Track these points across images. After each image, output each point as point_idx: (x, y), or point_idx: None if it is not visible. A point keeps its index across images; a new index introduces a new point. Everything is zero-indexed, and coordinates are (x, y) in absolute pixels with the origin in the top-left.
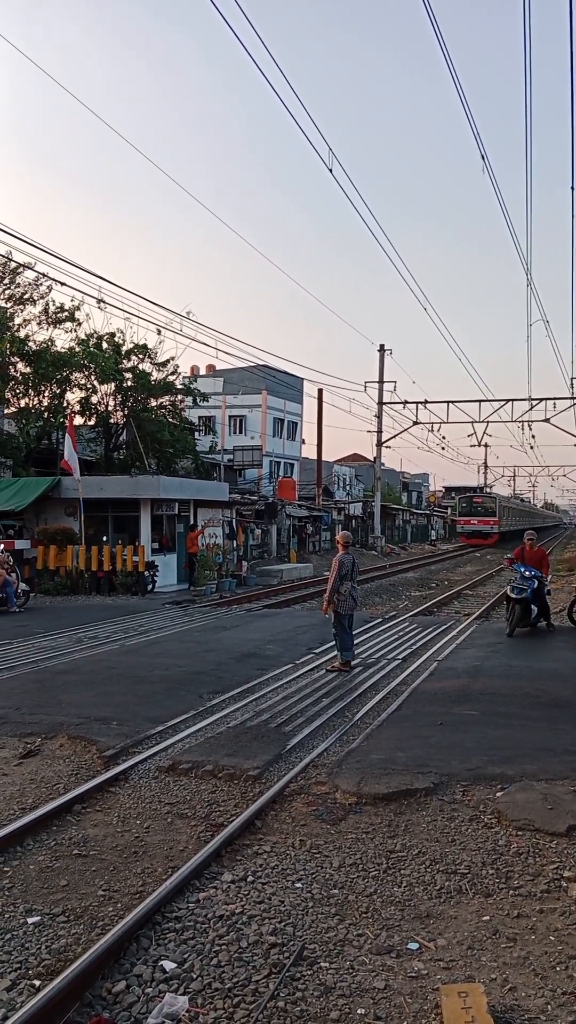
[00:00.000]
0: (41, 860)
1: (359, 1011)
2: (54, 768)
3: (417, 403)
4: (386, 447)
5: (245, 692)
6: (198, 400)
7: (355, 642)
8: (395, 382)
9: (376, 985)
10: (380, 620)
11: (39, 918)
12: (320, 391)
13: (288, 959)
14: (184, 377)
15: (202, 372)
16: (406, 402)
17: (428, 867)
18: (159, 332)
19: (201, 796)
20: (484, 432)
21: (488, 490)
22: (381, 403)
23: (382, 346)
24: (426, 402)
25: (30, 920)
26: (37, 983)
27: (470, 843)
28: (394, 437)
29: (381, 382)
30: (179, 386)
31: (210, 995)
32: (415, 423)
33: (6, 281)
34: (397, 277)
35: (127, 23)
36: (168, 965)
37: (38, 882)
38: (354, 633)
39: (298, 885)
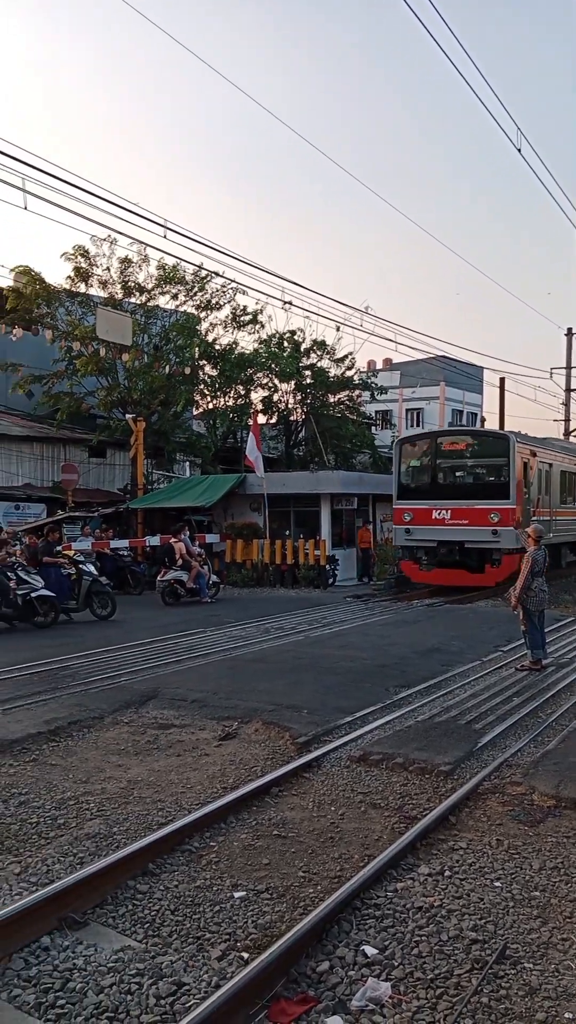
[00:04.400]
0: (244, 838)
1: (566, 1015)
2: (251, 751)
3: None
4: (575, 437)
5: (431, 687)
6: (375, 394)
7: (546, 641)
8: None
9: None
10: (572, 619)
11: (244, 893)
12: (502, 380)
13: (490, 956)
14: (361, 372)
15: (379, 366)
16: None
17: None
18: (338, 328)
19: (393, 788)
20: None
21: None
22: (568, 390)
23: (569, 329)
24: None
25: (236, 895)
26: (245, 955)
27: None
28: None
29: (569, 368)
30: (357, 381)
31: (412, 984)
32: None
33: (196, 289)
34: None
35: (288, 10)
36: (369, 950)
37: (242, 859)
38: (545, 631)
39: (497, 884)
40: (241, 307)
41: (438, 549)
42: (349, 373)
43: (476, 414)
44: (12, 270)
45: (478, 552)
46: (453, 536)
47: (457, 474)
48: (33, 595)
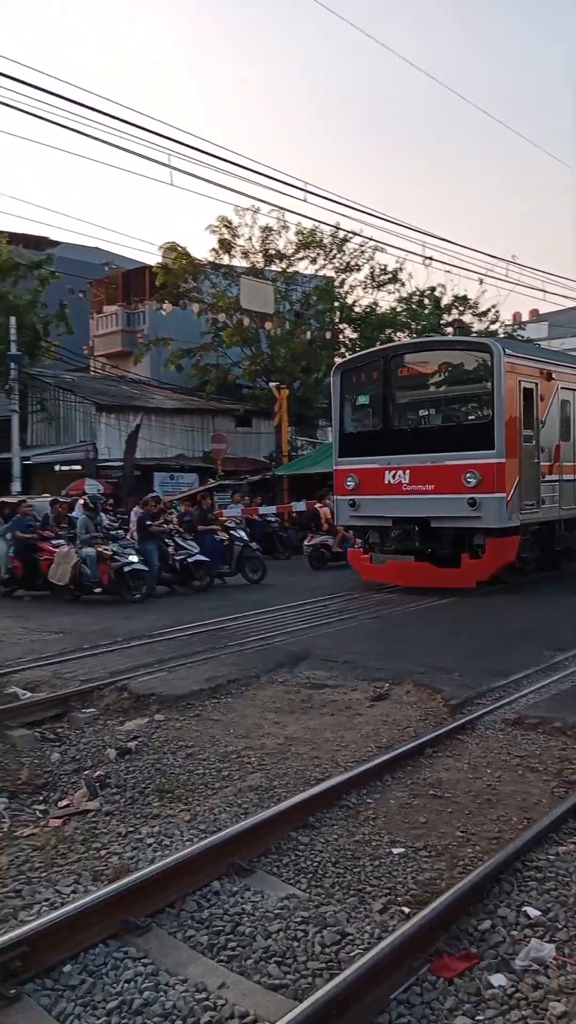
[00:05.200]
0: (400, 796)
1: None
2: (403, 712)
3: None
4: None
5: None
6: None
7: None
8: None
9: None
10: None
11: (403, 850)
12: None
13: None
14: (506, 325)
15: (525, 317)
16: None
17: None
18: (481, 281)
19: (551, 752)
20: None
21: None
22: None
23: None
24: None
25: (395, 851)
26: (406, 910)
27: None
28: None
29: None
30: (501, 335)
31: None
32: None
33: (334, 251)
34: None
35: None
36: (532, 912)
37: (399, 816)
38: None
39: None
40: (381, 266)
41: (393, 530)
42: (493, 327)
43: None
44: (160, 247)
45: (451, 534)
46: (412, 510)
47: (420, 413)
48: (190, 560)
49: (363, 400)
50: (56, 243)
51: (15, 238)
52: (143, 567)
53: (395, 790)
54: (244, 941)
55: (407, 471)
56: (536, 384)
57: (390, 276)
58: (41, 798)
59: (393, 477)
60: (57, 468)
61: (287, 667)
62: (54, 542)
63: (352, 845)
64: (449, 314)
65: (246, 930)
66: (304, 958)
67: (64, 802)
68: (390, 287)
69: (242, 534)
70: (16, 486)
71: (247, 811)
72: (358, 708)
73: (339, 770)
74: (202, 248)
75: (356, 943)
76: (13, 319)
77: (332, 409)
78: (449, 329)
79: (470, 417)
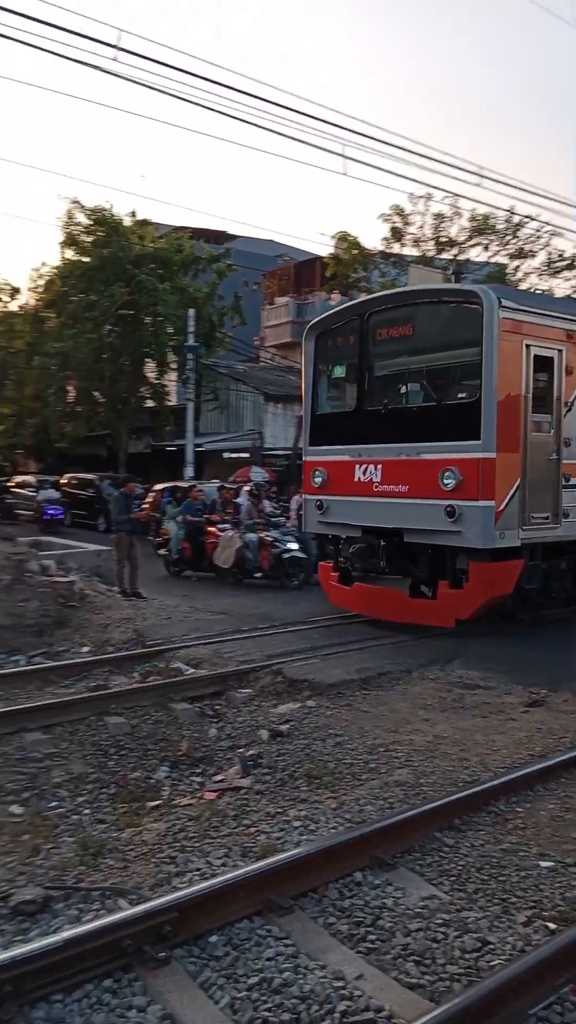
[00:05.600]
0: (551, 808)
1: None
2: (559, 721)
3: None
4: None
5: None
6: None
7: None
8: None
9: None
10: None
11: (552, 864)
12: None
13: None
14: None
15: None
16: None
17: None
18: None
19: None
20: None
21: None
22: None
23: None
24: None
25: (543, 864)
26: (551, 926)
27: None
28: None
29: None
30: None
31: None
32: None
33: (507, 236)
34: None
35: None
36: None
37: (549, 829)
38: None
39: None
40: (558, 252)
41: (357, 543)
42: None
43: None
44: (332, 237)
45: (429, 553)
46: (383, 518)
47: (400, 389)
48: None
49: (339, 372)
50: (234, 237)
51: (197, 233)
52: (302, 555)
53: (547, 801)
54: (383, 936)
55: (379, 466)
56: (560, 351)
57: (568, 263)
58: (199, 771)
59: (364, 473)
60: (226, 455)
61: (439, 664)
62: (220, 526)
63: (498, 853)
64: None
65: (386, 925)
66: (443, 961)
67: (219, 777)
68: (567, 274)
69: None
70: (189, 471)
71: (392, 805)
72: (511, 712)
73: (488, 775)
74: (373, 238)
75: (497, 953)
76: (192, 311)
77: (303, 383)
78: None
79: (460, 395)
